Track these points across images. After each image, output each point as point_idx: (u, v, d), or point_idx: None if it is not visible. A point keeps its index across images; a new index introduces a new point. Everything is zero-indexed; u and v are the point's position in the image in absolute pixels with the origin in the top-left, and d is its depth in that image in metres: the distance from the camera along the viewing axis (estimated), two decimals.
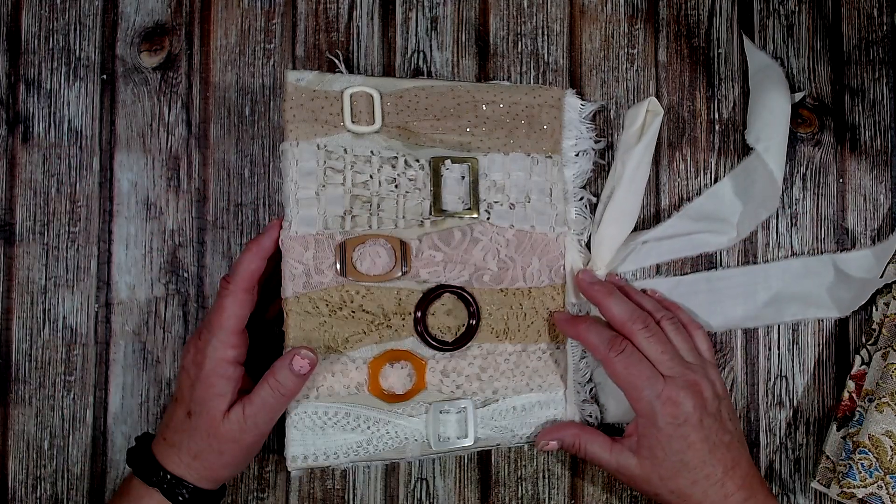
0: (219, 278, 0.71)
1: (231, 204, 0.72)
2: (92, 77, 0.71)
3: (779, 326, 0.75)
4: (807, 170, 0.76)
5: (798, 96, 0.75)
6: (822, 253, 0.76)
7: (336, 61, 0.71)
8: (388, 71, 0.73)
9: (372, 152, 0.68)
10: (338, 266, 0.66)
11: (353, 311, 0.67)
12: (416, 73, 0.73)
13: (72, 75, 0.71)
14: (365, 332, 0.67)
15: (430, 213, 0.69)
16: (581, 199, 0.72)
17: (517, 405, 0.70)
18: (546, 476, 0.74)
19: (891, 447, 0.69)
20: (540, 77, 0.74)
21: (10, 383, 0.70)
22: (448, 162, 0.69)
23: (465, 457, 0.73)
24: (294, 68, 0.71)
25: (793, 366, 0.75)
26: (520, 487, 0.73)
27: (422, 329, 0.68)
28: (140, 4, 0.72)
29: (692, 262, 0.75)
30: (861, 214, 0.76)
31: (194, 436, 0.61)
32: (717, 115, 0.76)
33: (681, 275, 0.75)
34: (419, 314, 0.68)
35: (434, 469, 0.73)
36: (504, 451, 0.73)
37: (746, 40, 0.75)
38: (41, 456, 0.70)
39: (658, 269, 0.75)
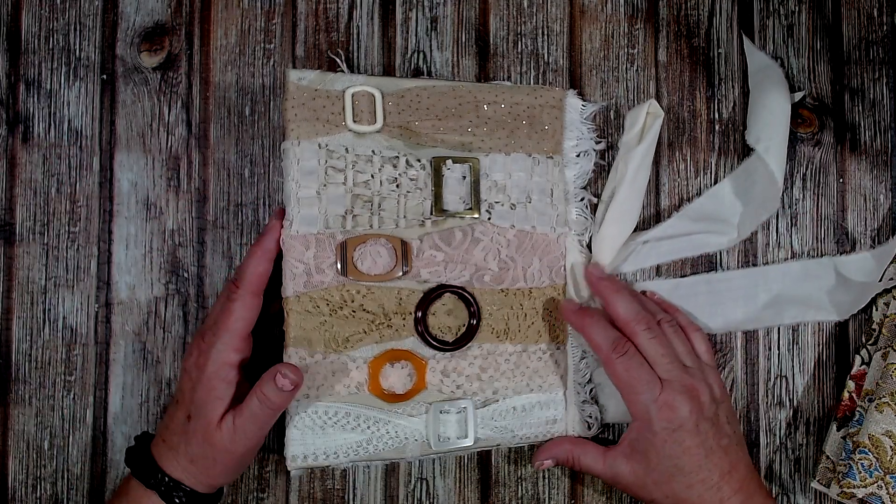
0: (219, 278, 0.71)
1: (231, 204, 0.72)
2: (92, 77, 0.71)
3: (779, 327, 0.75)
4: (807, 170, 0.76)
5: (798, 96, 0.75)
6: (821, 253, 0.76)
7: (338, 60, 0.71)
8: (388, 71, 0.73)
9: (373, 152, 0.68)
10: (339, 265, 0.66)
11: (354, 311, 0.67)
12: (417, 73, 0.73)
13: (72, 75, 0.71)
14: (365, 332, 0.67)
15: (431, 213, 0.69)
16: (582, 199, 0.72)
17: (517, 405, 0.70)
18: (546, 476, 0.74)
19: (891, 447, 0.69)
20: (540, 77, 0.74)
21: (10, 383, 0.70)
22: (449, 162, 0.69)
23: (465, 457, 0.73)
24: (294, 68, 0.71)
25: (793, 366, 0.75)
26: (520, 487, 0.73)
27: (422, 329, 0.68)
28: (140, 4, 0.72)
29: (692, 263, 0.75)
30: (861, 214, 0.76)
31: (192, 440, 0.61)
32: (717, 115, 0.76)
33: (681, 276, 0.75)
34: (420, 314, 0.68)
35: (434, 469, 0.73)
36: (504, 451, 0.73)
37: (746, 40, 0.75)
38: (41, 456, 0.70)
39: (658, 270, 0.75)
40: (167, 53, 0.72)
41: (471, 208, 0.69)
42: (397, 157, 0.68)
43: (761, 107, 0.73)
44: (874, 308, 0.75)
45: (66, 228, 0.70)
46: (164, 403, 0.70)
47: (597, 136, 0.73)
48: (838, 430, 0.74)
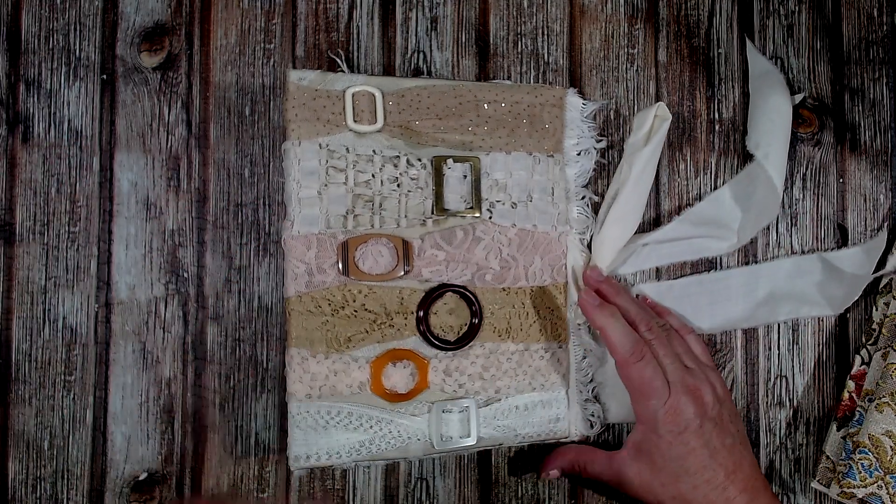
0: (219, 278, 0.71)
1: (231, 204, 0.71)
2: (92, 77, 0.71)
3: (778, 326, 0.75)
4: (807, 170, 0.76)
5: (797, 98, 0.75)
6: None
7: (338, 60, 0.71)
8: (388, 71, 0.73)
9: (374, 151, 0.68)
10: (340, 265, 0.66)
11: (356, 311, 0.67)
12: (417, 72, 0.73)
13: (72, 75, 0.71)
14: (367, 332, 0.67)
15: (433, 213, 0.69)
16: (583, 198, 0.72)
17: (519, 404, 0.70)
18: None
19: (891, 447, 0.70)
20: (540, 77, 0.75)
21: (10, 383, 0.69)
22: (450, 161, 0.69)
23: (465, 457, 0.73)
24: (294, 68, 0.71)
25: (793, 366, 0.75)
26: (520, 487, 0.73)
27: (424, 328, 0.68)
28: (140, 4, 0.71)
29: (692, 266, 0.75)
30: (861, 214, 0.76)
31: None
32: (717, 116, 0.76)
33: (680, 277, 0.75)
34: (421, 313, 0.68)
35: (434, 469, 0.73)
36: (504, 451, 0.73)
37: (749, 44, 0.75)
38: (41, 456, 0.69)
39: (658, 272, 0.75)
40: (167, 53, 0.72)
41: (472, 207, 0.69)
42: (398, 156, 0.68)
43: (761, 113, 0.73)
44: (874, 308, 0.75)
45: (66, 228, 0.70)
46: (163, 403, 0.70)
47: (597, 135, 0.73)
48: (838, 430, 0.74)
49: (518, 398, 0.70)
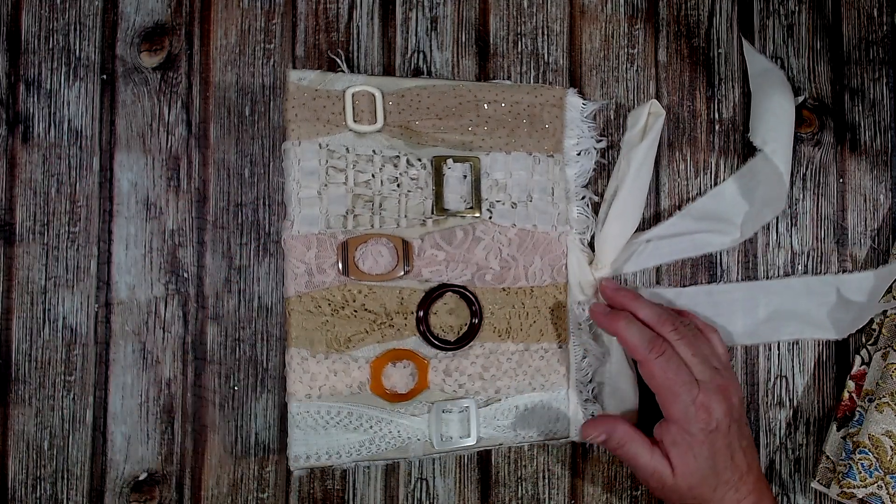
0: (219, 278, 0.71)
1: (231, 204, 0.71)
2: (92, 77, 0.71)
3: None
4: (807, 170, 0.76)
5: (799, 99, 0.75)
6: (821, 253, 0.76)
7: (338, 60, 0.71)
8: (388, 71, 0.73)
9: (374, 151, 0.68)
10: (340, 265, 0.66)
11: (356, 311, 0.67)
12: (416, 72, 0.73)
13: (72, 75, 0.71)
14: (367, 332, 0.67)
15: (433, 213, 0.69)
16: (583, 198, 0.72)
17: (520, 404, 0.70)
18: (546, 476, 0.74)
19: (891, 447, 0.70)
20: (540, 77, 0.75)
21: (10, 383, 0.69)
22: (450, 161, 0.69)
23: (465, 457, 0.73)
24: (294, 68, 0.71)
25: (793, 366, 0.75)
26: (520, 487, 0.73)
27: (424, 328, 0.68)
28: (140, 4, 0.71)
29: (692, 263, 0.75)
30: (861, 214, 0.76)
31: None
32: (717, 115, 0.76)
33: (681, 275, 0.75)
34: (421, 313, 0.68)
35: (434, 469, 0.73)
36: (504, 451, 0.73)
37: (746, 43, 0.75)
38: (41, 456, 0.69)
39: (658, 271, 0.75)
40: (167, 53, 0.72)
41: (472, 207, 0.69)
42: (398, 156, 0.68)
43: (765, 109, 0.72)
44: None
45: (66, 228, 0.70)
46: (163, 403, 0.70)
47: (597, 135, 0.73)
48: (838, 430, 0.74)
49: (518, 398, 0.70)
